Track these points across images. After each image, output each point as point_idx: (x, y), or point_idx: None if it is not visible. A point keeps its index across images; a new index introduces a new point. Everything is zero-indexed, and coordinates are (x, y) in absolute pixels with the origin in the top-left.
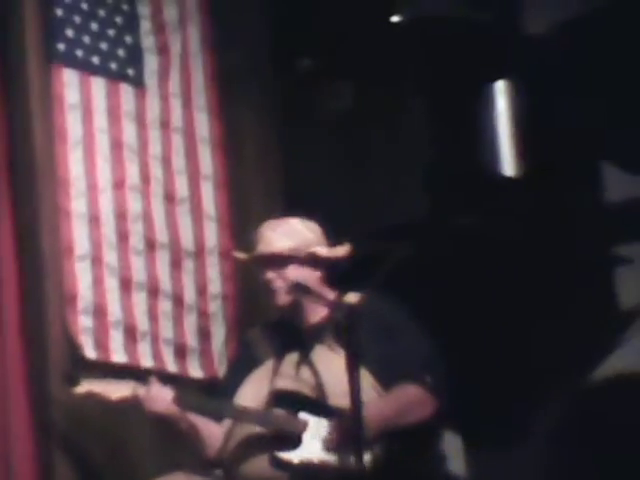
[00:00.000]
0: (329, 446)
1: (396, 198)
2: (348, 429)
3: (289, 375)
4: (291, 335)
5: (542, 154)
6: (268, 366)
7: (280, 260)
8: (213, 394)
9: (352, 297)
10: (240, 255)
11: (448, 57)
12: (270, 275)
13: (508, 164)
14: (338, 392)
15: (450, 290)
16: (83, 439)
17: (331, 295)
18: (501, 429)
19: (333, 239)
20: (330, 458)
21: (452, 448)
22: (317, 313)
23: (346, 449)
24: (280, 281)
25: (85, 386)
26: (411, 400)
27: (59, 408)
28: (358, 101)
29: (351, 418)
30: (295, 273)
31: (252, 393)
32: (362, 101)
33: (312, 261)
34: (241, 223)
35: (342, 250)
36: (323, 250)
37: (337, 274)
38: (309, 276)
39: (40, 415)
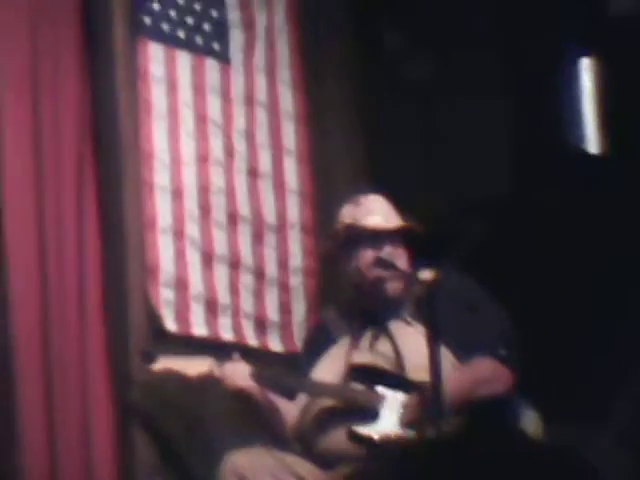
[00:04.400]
0: (407, 419)
1: (477, 173)
2: (427, 402)
3: (366, 350)
4: (367, 312)
5: (626, 132)
6: (345, 342)
7: (389, 236)
8: (292, 369)
9: (427, 273)
10: (369, 221)
11: (534, 29)
12: (387, 252)
13: (591, 141)
14: (416, 365)
15: (530, 266)
16: (162, 417)
17: (408, 271)
18: (581, 405)
19: (413, 213)
20: (407, 432)
21: (530, 425)
22: (395, 288)
23: (424, 422)
24: (389, 271)
25: (162, 363)
26: (488, 373)
27: (138, 386)
28: (442, 73)
29: (431, 391)
30: (394, 250)
31: (329, 369)
32: (446, 73)
33: (404, 238)
34: (324, 197)
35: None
36: (412, 225)
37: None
38: (402, 253)
39: (120, 393)
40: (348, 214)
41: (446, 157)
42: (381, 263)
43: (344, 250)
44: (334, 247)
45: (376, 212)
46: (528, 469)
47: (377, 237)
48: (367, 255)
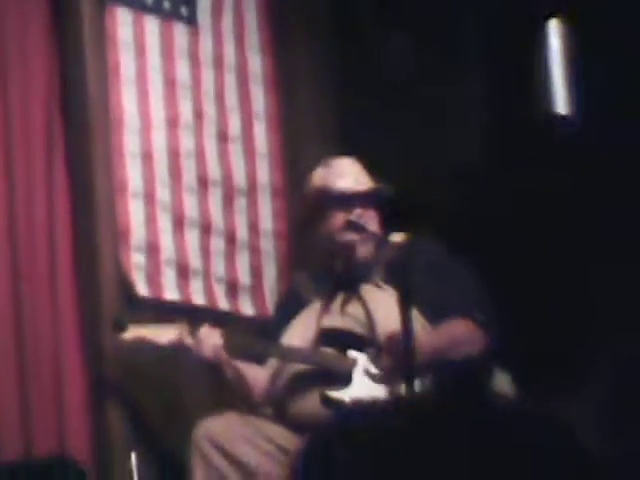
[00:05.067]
0: (379, 377)
1: (450, 142)
2: (398, 357)
3: (337, 313)
4: (339, 275)
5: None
6: (315, 306)
7: (359, 198)
8: (263, 333)
9: (397, 237)
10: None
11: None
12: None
13: (562, 103)
14: (388, 328)
15: (506, 241)
16: (135, 386)
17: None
18: (555, 371)
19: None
20: (380, 394)
21: (503, 388)
22: (366, 251)
23: (395, 382)
24: (359, 235)
25: (133, 331)
26: (461, 333)
27: (110, 355)
28: (413, 49)
29: (402, 345)
30: (365, 213)
31: (300, 333)
32: (417, 49)
33: (375, 201)
34: (294, 161)
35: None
36: (383, 187)
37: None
38: (373, 216)
39: (92, 363)
40: (319, 177)
41: (418, 126)
42: (352, 226)
43: (315, 214)
44: (305, 210)
45: (346, 175)
46: (503, 430)
47: (348, 200)
48: (338, 218)
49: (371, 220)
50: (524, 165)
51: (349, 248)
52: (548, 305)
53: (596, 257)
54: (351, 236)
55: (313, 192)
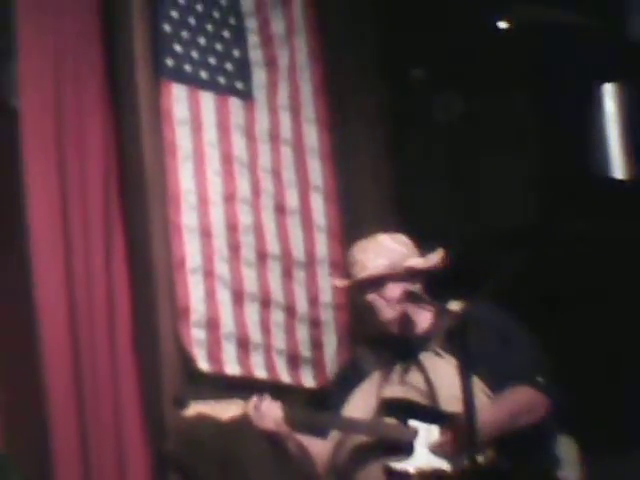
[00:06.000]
0: (442, 451)
1: (506, 204)
2: (461, 434)
3: (397, 383)
4: (397, 347)
5: None
6: (375, 377)
7: (378, 281)
8: (323, 406)
9: (455, 305)
10: (339, 283)
11: (556, 61)
12: (371, 297)
13: (618, 167)
14: (448, 397)
15: (563, 296)
16: (198, 463)
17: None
18: (618, 434)
19: (427, 248)
20: (443, 465)
21: (567, 453)
22: (422, 322)
23: (459, 455)
24: (381, 300)
25: (194, 408)
26: (524, 402)
27: (172, 432)
28: (468, 109)
29: (464, 422)
30: (395, 290)
31: (361, 405)
32: (472, 109)
33: (409, 274)
34: (352, 233)
35: (436, 257)
36: (418, 261)
37: (438, 283)
38: (402, 290)
39: (154, 440)
40: (350, 268)
41: (474, 190)
42: (407, 297)
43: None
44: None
45: (358, 262)
46: None
47: (378, 283)
48: (377, 301)
49: (395, 293)
50: (580, 226)
51: (400, 322)
52: (612, 366)
53: None
54: (400, 310)
55: (348, 284)
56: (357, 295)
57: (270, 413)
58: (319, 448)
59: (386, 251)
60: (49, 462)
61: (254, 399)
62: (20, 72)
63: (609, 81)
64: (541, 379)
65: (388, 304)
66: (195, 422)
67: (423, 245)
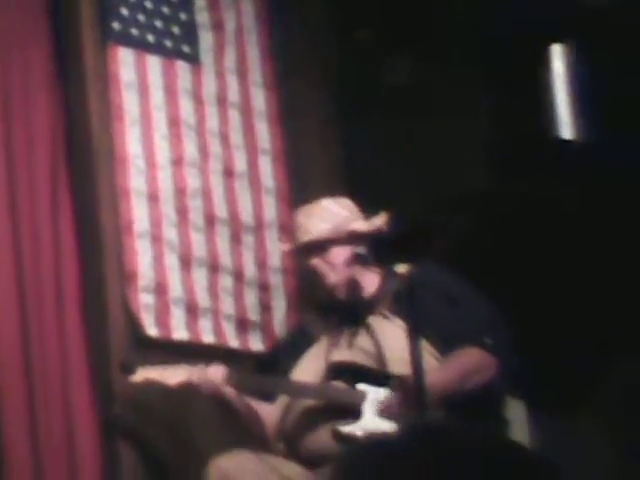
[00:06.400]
0: (390, 414)
1: (455, 169)
2: (410, 395)
3: (345, 347)
4: (344, 311)
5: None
6: (324, 342)
7: (321, 245)
8: (272, 370)
9: (403, 267)
10: (284, 247)
11: (506, 22)
12: (315, 261)
13: (567, 128)
14: (397, 360)
15: (512, 259)
16: (146, 428)
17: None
18: (566, 395)
19: (374, 212)
20: (391, 428)
21: (516, 415)
22: (369, 286)
23: (406, 417)
24: (326, 265)
25: (142, 374)
26: (472, 363)
27: (120, 397)
28: (416, 72)
29: (413, 384)
30: (339, 254)
31: (309, 369)
32: (420, 72)
33: (353, 238)
34: (300, 196)
35: (379, 220)
36: (361, 224)
37: (384, 246)
38: (343, 253)
39: (102, 406)
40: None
41: (422, 154)
42: (355, 260)
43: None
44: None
45: (301, 227)
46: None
47: (322, 247)
48: (320, 266)
49: (340, 257)
50: (530, 186)
51: (347, 286)
52: (559, 324)
53: (602, 275)
54: (345, 274)
55: (292, 248)
56: (302, 260)
57: (215, 377)
58: (267, 412)
59: (329, 215)
60: None
61: (200, 366)
62: None
63: (558, 41)
64: (489, 340)
65: (333, 268)
66: (143, 388)
67: (370, 209)
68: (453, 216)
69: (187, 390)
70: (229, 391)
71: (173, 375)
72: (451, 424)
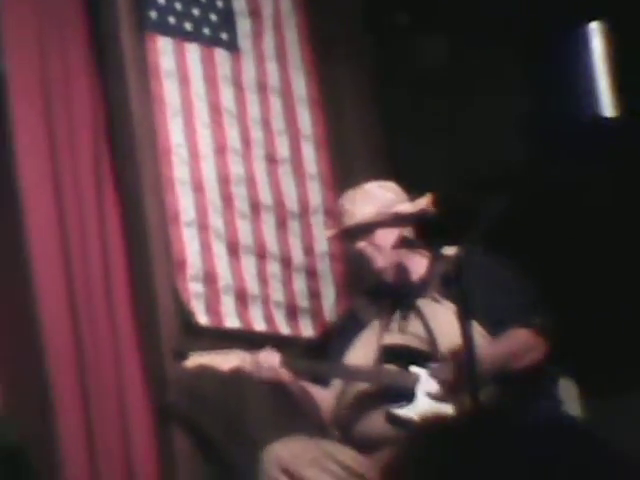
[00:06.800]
0: (443, 395)
1: (494, 149)
2: (462, 376)
3: (396, 331)
4: (394, 295)
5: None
6: (375, 326)
7: (366, 228)
8: (323, 356)
9: (450, 250)
10: (329, 233)
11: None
12: (361, 245)
13: (606, 106)
14: (448, 342)
15: (553, 239)
16: (200, 414)
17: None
18: (618, 375)
19: (418, 194)
20: (445, 409)
21: (568, 395)
22: (417, 269)
23: (459, 397)
24: (372, 248)
25: (195, 359)
26: (522, 343)
27: (173, 385)
28: (454, 54)
29: (464, 361)
30: (384, 237)
31: (361, 354)
32: (458, 54)
33: (398, 220)
34: (344, 180)
35: (424, 201)
36: (406, 206)
37: (429, 229)
38: (390, 236)
39: (156, 393)
40: (340, 218)
41: (462, 133)
42: (402, 243)
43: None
44: (344, 240)
45: (346, 211)
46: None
47: (367, 230)
48: (367, 249)
49: (386, 240)
50: (569, 165)
51: (394, 270)
52: (606, 305)
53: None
54: (393, 258)
55: (337, 233)
56: (349, 244)
57: (269, 362)
58: (322, 396)
59: (373, 198)
60: (50, 421)
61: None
62: (4, 34)
63: (596, 19)
64: (538, 320)
65: (380, 252)
66: (196, 374)
67: (413, 192)
68: (496, 196)
69: (240, 376)
70: (285, 374)
71: (226, 360)
72: (504, 403)
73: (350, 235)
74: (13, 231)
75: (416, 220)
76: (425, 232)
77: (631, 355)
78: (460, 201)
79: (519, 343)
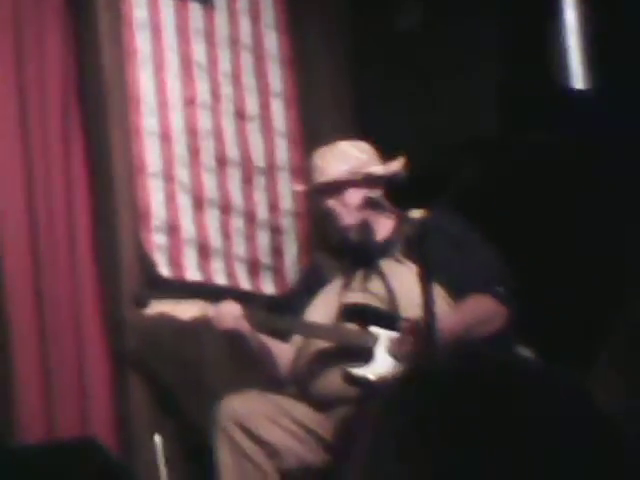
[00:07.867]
0: (401, 356)
1: (465, 115)
2: (421, 337)
3: (358, 290)
4: (357, 254)
5: (612, 66)
6: (336, 284)
7: (337, 186)
8: (284, 312)
9: (417, 213)
10: (298, 187)
11: None
12: (330, 203)
13: (578, 77)
14: (409, 303)
15: (521, 207)
16: (157, 362)
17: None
18: (577, 346)
19: (389, 157)
20: (402, 370)
21: None
22: (383, 229)
23: (419, 359)
24: (341, 206)
25: (155, 307)
26: (483, 310)
27: (132, 331)
28: (429, 21)
29: (424, 326)
30: (354, 196)
31: (321, 311)
32: (431, 20)
33: (369, 181)
34: (312, 139)
35: (396, 164)
36: (378, 168)
37: (398, 192)
38: (359, 196)
39: (114, 339)
40: (310, 174)
41: (434, 101)
42: (368, 203)
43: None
44: (312, 197)
45: (318, 168)
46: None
47: (338, 188)
48: (336, 207)
49: (355, 199)
50: (539, 133)
51: (360, 229)
52: (568, 274)
53: (613, 224)
54: (361, 216)
55: (308, 189)
56: (317, 201)
57: (230, 312)
58: (281, 350)
59: (346, 157)
60: (8, 366)
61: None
62: None
63: None
64: (501, 289)
65: (348, 210)
66: (155, 321)
67: (383, 156)
68: (467, 162)
69: (200, 325)
70: (244, 326)
71: (187, 309)
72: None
73: (319, 191)
74: None
75: (387, 182)
76: (395, 195)
77: (591, 328)
78: (431, 165)
79: (480, 311)
